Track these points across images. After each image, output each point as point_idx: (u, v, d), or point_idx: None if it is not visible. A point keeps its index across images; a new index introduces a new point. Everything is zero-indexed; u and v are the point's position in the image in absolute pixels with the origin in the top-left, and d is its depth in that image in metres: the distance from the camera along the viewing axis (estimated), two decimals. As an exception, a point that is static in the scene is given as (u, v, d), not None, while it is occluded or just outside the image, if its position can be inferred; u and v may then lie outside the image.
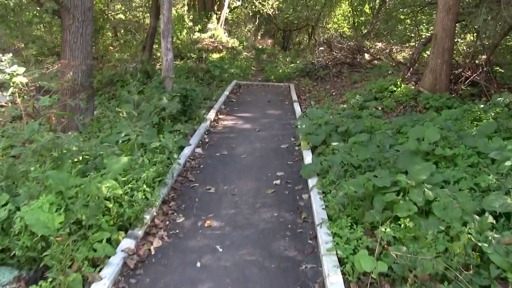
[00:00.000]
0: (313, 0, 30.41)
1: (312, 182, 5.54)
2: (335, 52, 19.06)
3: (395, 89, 9.70)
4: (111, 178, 4.73)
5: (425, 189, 4.28)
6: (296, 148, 7.42)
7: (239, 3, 27.38)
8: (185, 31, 21.61)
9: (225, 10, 26.79)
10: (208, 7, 26.06)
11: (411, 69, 10.36)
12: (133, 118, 6.01)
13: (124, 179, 4.77)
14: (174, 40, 18.15)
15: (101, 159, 5.48)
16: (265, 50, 30.67)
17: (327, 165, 5.70)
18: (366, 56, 18.05)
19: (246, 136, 8.15)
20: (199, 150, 7.22)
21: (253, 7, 28.27)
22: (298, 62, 17.96)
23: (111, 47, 20.84)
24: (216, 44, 21.06)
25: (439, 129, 6.12)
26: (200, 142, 7.67)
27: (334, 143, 6.53)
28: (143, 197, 4.61)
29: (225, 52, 20.63)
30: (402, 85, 9.77)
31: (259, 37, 34.82)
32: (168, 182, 5.55)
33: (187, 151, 6.88)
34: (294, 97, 11.82)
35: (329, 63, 16.97)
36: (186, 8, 34.32)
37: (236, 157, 6.93)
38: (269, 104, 11.29)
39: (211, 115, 9.37)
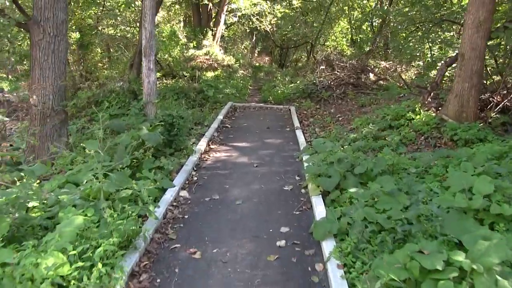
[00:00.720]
0: (312, 16, 29.49)
1: (327, 246, 4.24)
2: (338, 71, 17.93)
3: (413, 116, 8.45)
4: (57, 249, 3.43)
5: (498, 278, 3.00)
6: (303, 191, 6.11)
7: (235, 19, 26.32)
8: (178, 47, 20.43)
9: (221, 27, 25.71)
10: (203, 23, 25.01)
11: (431, 93, 9.12)
12: (100, 157, 4.73)
13: (73, 252, 3.45)
14: (165, 57, 16.95)
15: (58, 210, 4.23)
16: (262, 68, 29.59)
17: (345, 221, 4.42)
18: (371, 76, 16.92)
19: (242, 174, 6.85)
20: (184, 193, 5.91)
21: (250, 23, 27.23)
22: (298, 82, 16.78)
23: (100, 64, 19.60)
24: (211, 62, 19.87)
25: (480, 172, 4.89)
26: (187, 182, 6.37)
27: (351, 190, 5.25)
28: (97, 281, 3.29)
29: (220, 71, 19.45)
30: (422, 112, 8.53)
31: (256, 55, 33.78)
32: (140, 245, 4.23)
33: (169, 195, 5.57)
34: (296, 122, 10.57)
35: (332, 83, 15.80)
36: (181, 24, 33.45)
37: (230, 204, 5.62)
38: (268, 131, 10.02)
39: (202, 145, 8.08)
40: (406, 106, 9.00)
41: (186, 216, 5.19)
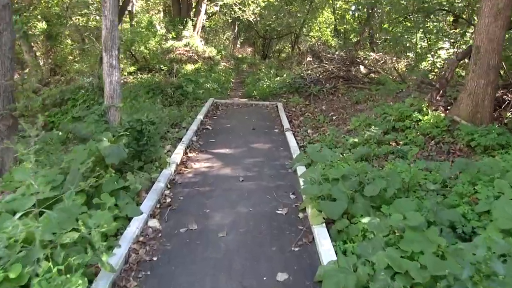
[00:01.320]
0: (297, 6, 28.31)
1: (342, 308, 3.16)
2: (326, 63, 16.85)
3: (420, 117, 7.40)
4: None
5: None
6: (300, 215, 5.01)
7: (217, 9, 24.98)
8: (156, 38, 19.06)
9: (202, 17, 24.42)
10: (183, 13, 23.67)
11: (441, 91, 8.06)
12: (34, 189, 3.57)
13: None
14: (141, 49, 15.61)
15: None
16: (245, 60, 28.39)
17: (364, 271, 3.34)
18: (362, 68, 15.88)
19: (226, 191, 5.71)
20: (154, 222, 4.75)
21: (232, 13, 25.93)
22: (284, 75, 15.64)
23: (70, 57, 18.16)
24: (191, 54, 18.58)
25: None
26: (158, 206, 5.20)
27: (364, 220, 4.17)
28: None
29: (200, 63, 18.20)
30: (430, 112, 7.49)
31: (238, 46, 32.51)
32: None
33: (134, 227, 4.42)
34: (286, 123, 9.45)
35: (321, 76, 14.73)
36: (161, 14, 31.98)
37: (211, 237, 4.48)
38: (254, 133, 8.89)
39: (178, 154, 6.92)
40: (410, 104, 7.95)
41: (155, 258, 4.04)
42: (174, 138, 8.00)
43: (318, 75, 15.02)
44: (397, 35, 17.60)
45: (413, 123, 7.35)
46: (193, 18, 23.51)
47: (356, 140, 7.26)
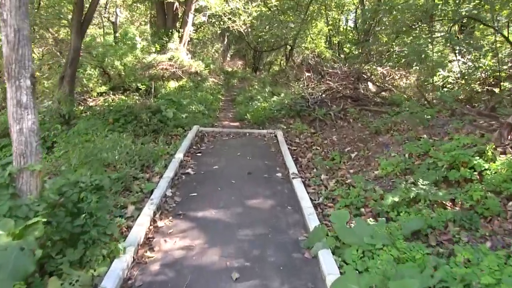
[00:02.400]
0: (291, 16, 26.39)
1: None
2: (328, 79, 14.81)
3: (485, 165, 5.26)
4: None
5: None
6: None
7: (204, 19, 22.93)
8: (135, 52, 16.88)
9: (189, 28, 22.34)
10: (169, 24, 21.60)
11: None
12: None
13: None
14: (116, 65, 13.39)
15: None
16: (235, 74, 26.34)
17: None
18: (371, 86, 13.82)
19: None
20: None
21: (222, 24, 23.89)
22: (282, 94, 13.49)
23: (37, 73, 15.75)
24: (175, 70, 16.41)
25: None
26: None
27: None
28: None
29: (185, 80, 16.02)
30: (498, 159, 5.35)
31: (228, 58, 30.45)
32: None
33: None
34: (291, 163, 7.25)
35: (325, 96, 12.66)
36: (148, 26, 29.88)
37: None
38: (250, 179, 6.70)
39: (141, 224, 4.71)
40: (465, 145, 5.83)
41: None
42: (139, 194, 5.78)
43: (321, 94, 12.94)
44: (412, 45, 15.59)
45: (474, 173, 5.22)
46: (180, 30, 21.48)
47: (396, 199, 5.10)
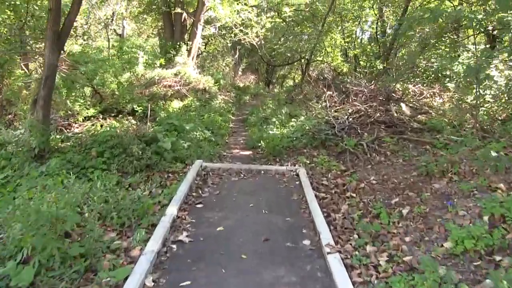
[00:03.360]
0: (308, 27, 24.62)
1: None
2: (353, 99, 12.95)
3: None
4: None
5: None
6: None
7: (214, 31, 21.24)
8: (138, 67, 15.18)
9: (198, 40, 20.67)
10: (176, 37, 19.97)
11: None
12: None
13: None
14: (108, 84, 11.60)
15: None
16: (247, 90, 24.54)
17: None
18: (404, 107, 11.85)
19: None
20: None
21: (232, 36, 22.17)
22: (302, 117, 11.58)
23: (24, 92, 14.10)
24: (179, 87, 14.64)
25: None
26: None
27: None
28: None
29: (191, 98, 14.23)
30: None
31: (239, 73, 28.70)
32: None
33: None
34: (322, 225, 5.26)
35: (352, 120, 10.77)
36: (157, 38, 28.38)
37: None
38: (266, 253, 4.74)
39: None
40: None
41: None
42: (113, 277, 3.92)
43: (347, 117, 11.04)
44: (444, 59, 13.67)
45: None
46: (188, 42, 19.84)
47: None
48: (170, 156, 8.38)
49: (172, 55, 19.41)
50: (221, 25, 22.04)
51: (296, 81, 39.64)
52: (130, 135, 8.38)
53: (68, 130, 9.47)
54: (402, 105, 11.97)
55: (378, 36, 24.01)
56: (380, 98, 12.69)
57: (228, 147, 11.18)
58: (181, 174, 7.68)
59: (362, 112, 11.15)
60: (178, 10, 18.50)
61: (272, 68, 33.22)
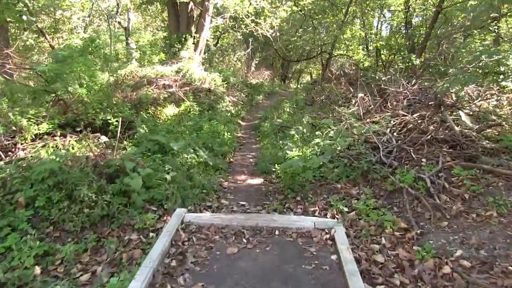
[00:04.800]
0: (329, 17, 21.70)
1: None
2: (392, 104, 10.14)
3: None
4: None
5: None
6: None
7: (221, 22, 18.46)
8: (116, 66, 12.49)
9: (206, 33, 17.96)
10: (182, 29, 17.31)
11: None
12: None
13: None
14: (76, 88, 8.83)
15: None
16: (261, 88, 21.70)
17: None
18: (463, 117, 8.88)
19: None
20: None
21: (244, 27, 19.36)
22: (331, 130, 8.65)
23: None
24: (174, 90, 11.92)
25: None
26: None
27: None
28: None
29: (189, 103, 11.48)
30: None
31: (252, 68, 25.85)
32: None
33: None
34: None
35: (397, 134, 7.93)
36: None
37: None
38: None
39: None
40: None
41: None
42: None
43: (390, 131, 8.20)
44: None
45: None
46: (195, 35, 17.20)
47: None
48: (140, 199, 5.67)
49: (177, 49, 16.86)
50: (231, 16, 19.32)
51: (314, 75, 36.71)
52: (83, 168, 5.68)
53: (10, 153, 6.82)
54: (461, 113, 9.00)
55: (406, 27, 20.88)
56: (430, 103, 9.83)
57: (232, 170, 8.45)
58: (151, 233, 4.96)
59: (411, 125, 8.27)
60: (184, -1, 15.84)
61: (288, 62, 30.34)
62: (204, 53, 19.43)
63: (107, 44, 16.91)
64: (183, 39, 17.08)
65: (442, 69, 16.67)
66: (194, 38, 17.47)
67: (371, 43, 25.38)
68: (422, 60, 15.31)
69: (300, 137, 9.09)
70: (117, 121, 7.93)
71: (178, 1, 16.71)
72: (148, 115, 10.30)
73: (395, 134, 8.15)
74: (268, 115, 14.00)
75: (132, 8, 23.91)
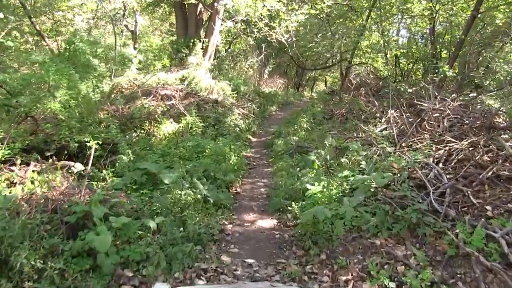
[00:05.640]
0: (352, 21, 20.09)
1: None
2: (427, 125, 8.52)
3: None
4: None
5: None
6: None
7: (230, 25, 16.98)
8: (130, 71, 11.04)
9: (216, 37, 16.53)
10: (191, 32, 15.89)
11: None
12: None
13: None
14: (48, 105, 7.28)
15: None
16: (275, 97, 20.12)
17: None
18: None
19: None
20: None
21: (256, 31, 17.83)
22: (362, 163, 6.95)
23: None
24: (174, 101, 10.43)
25: None
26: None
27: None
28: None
29: (191, 118, 9.95)
30: None
31: (265, 76, 24.29)
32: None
33: None
34: None
35: (442, 165, 6.30)
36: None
37: None
38: None
39: None
40: None
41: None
42: None
43: (434, 162, 6.56)
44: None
45: None
46: (204, 39, 15.79)
47: None
48: (112, 260, 4.11)
49: (184, 55, 15.47)
50: (243, 20, 17.85)
51: (328, 83, 35.04)
52: (31, 219, 4.16)
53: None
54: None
55: (432, 32, 19.06)
56: (478, 126, 8.20)
57: (238, 206, 6.89)
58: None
59: (462, 154, 6.61)
60: (193, 0, 14.36)
61: (302, 70, 28.77)
62: (214, 59, 18.02)
63: (112, 48, 15.59)
64: (191, 44, 15.73)
65: (476, 82, 14.99)
66: (203, 43, 16.09)
67: (390, 51, 23.76)
68: (456, 72, 13.60)
69: (322, 164, 7.49)
70: (98, 143, 6.41)
71: (186, 3, 15.30)
72: (142, 132, 8.79)
73: (440, 164, 6.51)
74: (282, 130, 12.43)
75: (139, 10, 22.60)
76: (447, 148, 6.88)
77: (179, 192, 5.78)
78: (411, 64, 21.34)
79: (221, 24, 17.07)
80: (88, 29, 24.35)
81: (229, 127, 11.42)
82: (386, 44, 22.97)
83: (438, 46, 18.15)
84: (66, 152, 6.49)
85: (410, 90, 14.47)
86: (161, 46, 23.36)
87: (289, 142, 10.40)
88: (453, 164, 6.49)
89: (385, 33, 23.54)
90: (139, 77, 12.16)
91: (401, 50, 21.18)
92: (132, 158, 6.49)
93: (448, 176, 5.86)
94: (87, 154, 6.44)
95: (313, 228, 5.28)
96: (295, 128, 12.19)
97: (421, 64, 20.71)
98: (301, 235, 5.44)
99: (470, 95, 12.46)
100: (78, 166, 6.20)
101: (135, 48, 19.41)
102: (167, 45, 21.16)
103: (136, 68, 13.45)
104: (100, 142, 6.61)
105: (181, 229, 5.12)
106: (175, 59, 16.00)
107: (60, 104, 6.61)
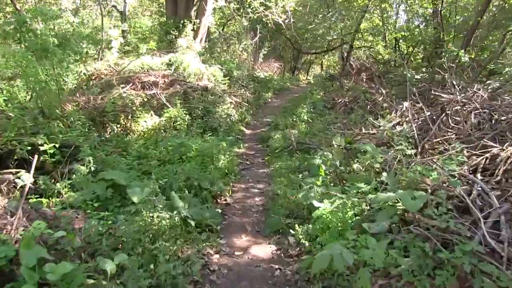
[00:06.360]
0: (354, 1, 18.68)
1: None
2: (451, 121, 7.25)
3: None
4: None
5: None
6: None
7: (223, 5, 15.56)
8: (111, 55, 9.65)
9: (208, 18, 15.13)
10: (180, 13, 14.48)
11: None
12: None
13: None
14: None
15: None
16: (270, 83, 18.72)
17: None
18: None
19: None
20: None
21: (252, 11, 16.39)
22: (383, 175, 5.60)
23: None
24: (155, 91, 9.03)
25: None
26: None
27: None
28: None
29: (175, 110, 8.57)
30: None
31: (260, 59, 22.82)
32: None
33: None
34: None
35: (481, 175, 5.00)
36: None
37: None
38: None
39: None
40: None
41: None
42: None
43: (471, 172, 5.28)
44: None
45: None
46: (195, 20, 14.41)
47: None
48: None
49: (173, 37, 14.12)
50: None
51: (325, 67, 33.64)
52: None
53: None
54: None
55: (439, 12, 17.47)
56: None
57: (227, 225, 5.60)
58: None
59: (508, 164, 5.33)
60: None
61: (298, 53, 27.35)
62: (206, 41, 16.63)
63: (99, 29, 14.19)
64: (181, 25, 14.36)
65: (492, 68, 13.68)
66: (193, 24, 14.71)
67: (390, 34, 22.46)
68: (472, 56, 12.24)
69: (329, 171, 6.19)
70: (54, 146, 5.07)
71: (174, -20, 13.90)
72: (118, 127, 7.43)
73: (478, 176, 5.24)
74: (279, 121, 11.13)
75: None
76: (486, 154, 5.57)
77: (151, 215, 4.46)
78: (411, 48, 20.18)
79: (213, 3, 15.71)
80: (75, 9, 22.74)
81: (220, 119, 10.09)
82: (385, 27, 21.76)
83: (445, 29, 16.72)
84: (15, 158, 5.13)
85: (417, 77, 13.20)
86: (152, 27, 21.90)
87: (287, 137, 9.10)
88: (493, 174, 5.22)
89: (385, 15, 22.32)
90: (121, 62, 10.73)
91: (402, 33, 19.87)
92: (93, 168, 5.14)
93: (495, 194, 4.58)
94: (47, 160, 5.11)
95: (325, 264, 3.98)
96: (294, 119, 10.87)
97: (422, 48, 19.50)
98: (308, 274, 4.16)
99: (487, 83, 11.23)
100: (24, 178, 4.85)
101: (123, 30, 18.00)
102: (157, 26, 19.71)
103: (122, 52, 12.03)
104: (57, 145, 5.29)
105: (151, 269, 3.82)
106: (163, 41, 14.64)
107: (2, 96, 5.19)
